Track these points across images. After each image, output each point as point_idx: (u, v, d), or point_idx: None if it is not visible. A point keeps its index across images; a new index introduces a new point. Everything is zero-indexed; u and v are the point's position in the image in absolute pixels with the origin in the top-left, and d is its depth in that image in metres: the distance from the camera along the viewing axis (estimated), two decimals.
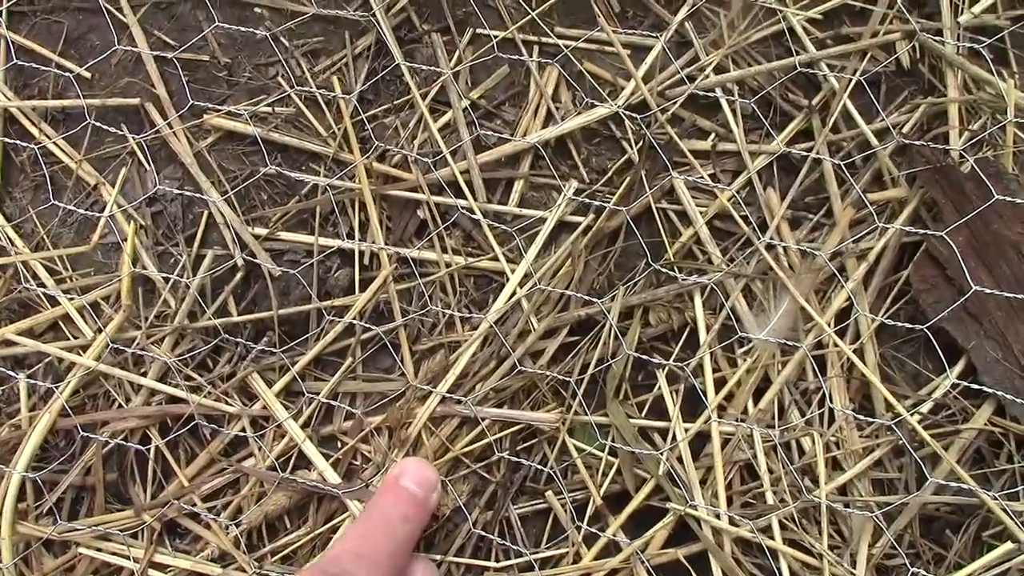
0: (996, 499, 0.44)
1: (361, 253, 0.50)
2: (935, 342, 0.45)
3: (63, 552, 0.49)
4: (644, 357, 0.48)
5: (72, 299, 0.50)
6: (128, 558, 0.48)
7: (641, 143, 0.49)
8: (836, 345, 0.46)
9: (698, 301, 0.48)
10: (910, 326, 0.45)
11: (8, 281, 0.51)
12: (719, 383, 0.48)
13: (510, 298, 0.48)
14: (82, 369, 0.48)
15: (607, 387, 0.48)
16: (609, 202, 0.49)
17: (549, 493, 0.48)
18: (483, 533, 0.48)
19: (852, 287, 0.47)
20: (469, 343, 0.48)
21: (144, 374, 0.49)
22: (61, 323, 0.50)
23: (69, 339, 0.50)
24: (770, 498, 0.47)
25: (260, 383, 0.49)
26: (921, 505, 0.46)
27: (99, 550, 0.48)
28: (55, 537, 0.48)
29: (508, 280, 0.49)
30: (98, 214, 0.50)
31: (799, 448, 0.47)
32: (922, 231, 0.46)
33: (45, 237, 0.51)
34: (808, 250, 0.47)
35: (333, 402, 0.49)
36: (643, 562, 0.46)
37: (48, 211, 0.52)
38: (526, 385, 0.48)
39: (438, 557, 0.47)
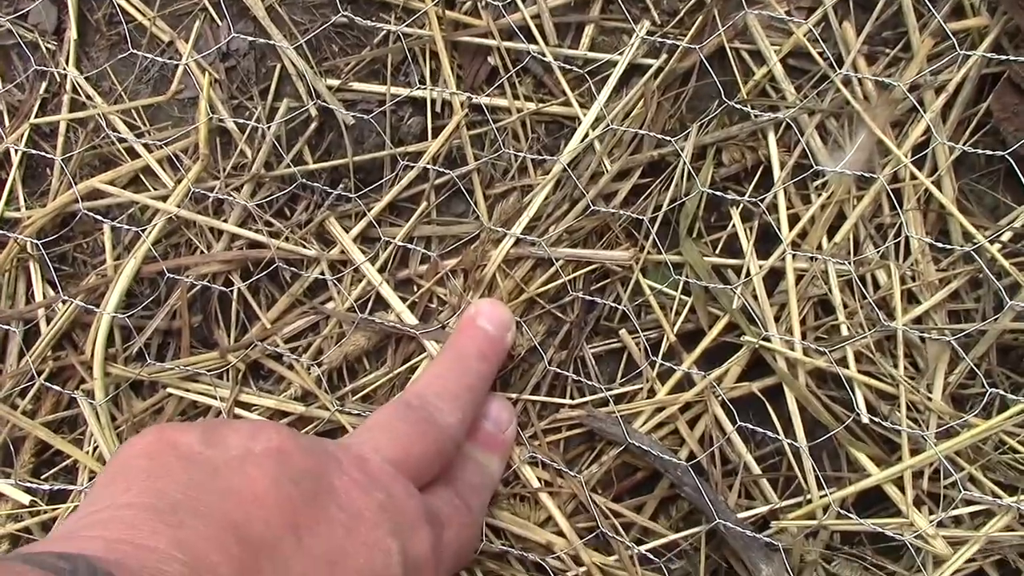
0: None
1: (433, 101, 0.50)
2: (1017, 169, 0.45)
3: (151, 394, 0.50)
4: (718, 194, 0.48)
5: (152, 151, 0.51)
6: (215, 398, 0.49)
7: None
8: (913, 177, 0.46)
9: (772, 138, 0.48)
10: (991, 153, 0.45)
11: (89, 135, 0.52)
12: (793, 220, 0.48)
13: (583, 140, 0.48)
14: (165, 215, 0.49)
15: (680, 225, 0.48)
16: (681, 43, 0.49)
17: (623, 331, 0.48)
18: (558, 370, 0.48)
19: (930, 117, 0.46)
20: (542, 186, 0.48)
21: (224, 221, 0.50)
22: (141, 175, 0.51)
23: (150, 190, 0.51)
24: (845, 332, 0.47)
25: (337, 228, 0.49)
26: (999, 334, 0.46)
27: (186, 390, 0.50)
28: (144, 378, 0.49)
29: (580, 124, 0.49)
30: (175, 61, 0.51)
31: (874, 282, 0.47)
32: (1005, 57, 0.45)
33: (123, 94, 0.52)
34: (885, 82, 0.47)
35: (409, 245, 0.49)
36: (717, 396, 0.47)
37: (125, 70, 0.53)
38: (599, 227, 0.49)
39: (514, 395, 0.48)
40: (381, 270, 0.49)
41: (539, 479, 0.47)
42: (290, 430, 0.36)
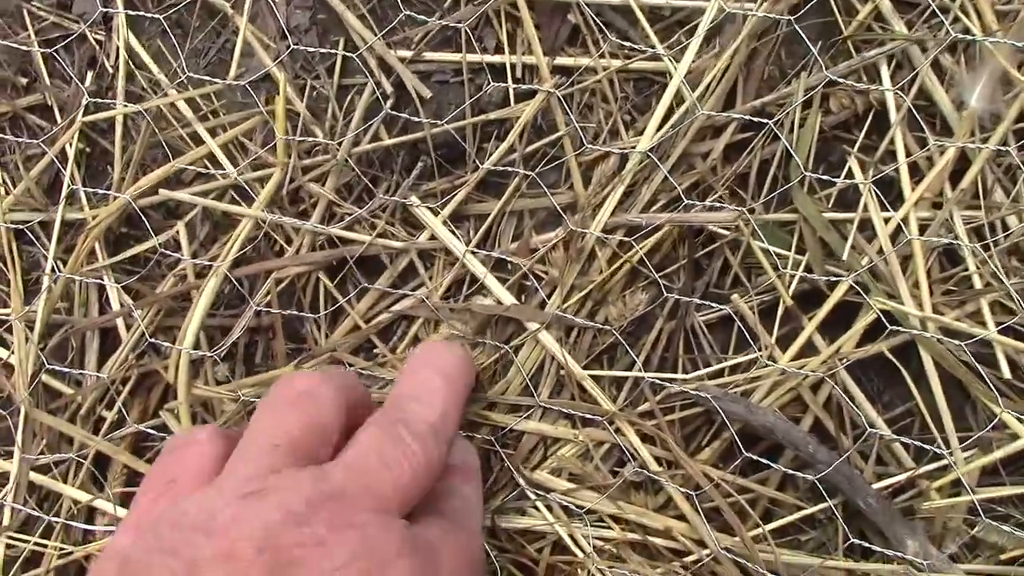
0: None
1: (512, 67, 0.47)
2: None
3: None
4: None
5: (216, 136, 0.48)
6: None
7: None
8: None
9: (885, 73, 0.44)
10: None
11: (149, 125, 0.49)
12: (912, 168, 0.44)
13: (674, 100, 0.45)
14: (250, 221, 0.46)
15: (791, 177, 0.44)
16: None
17: (735, 297, 0.46)
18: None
19: None
20: (637, 148, 0.45)
21: (303, 212, 0.47)
22: (207, 163, 0.49)
23: (217, 179, 0.48)
24: (977, 282, 0.44)
25: (425, 212, 0.46)
26: None
27: None
28: (228, 396, 0.47)
29: (671, 78, 0.45)
30: (232, 35, 0.48)
31: (1004, 227, 0.44)
32: None
33: (183, 76, 0.49)
34: (1009, 10, 0.43)
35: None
36: (843, 360, 0.44)
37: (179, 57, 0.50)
38: (701, 189, 0.46)
39: (619, 373, 0.46)
40: (473, 252, 0.46)
41: (656, 459, 0.45)
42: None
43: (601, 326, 0.45)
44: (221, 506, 0.33)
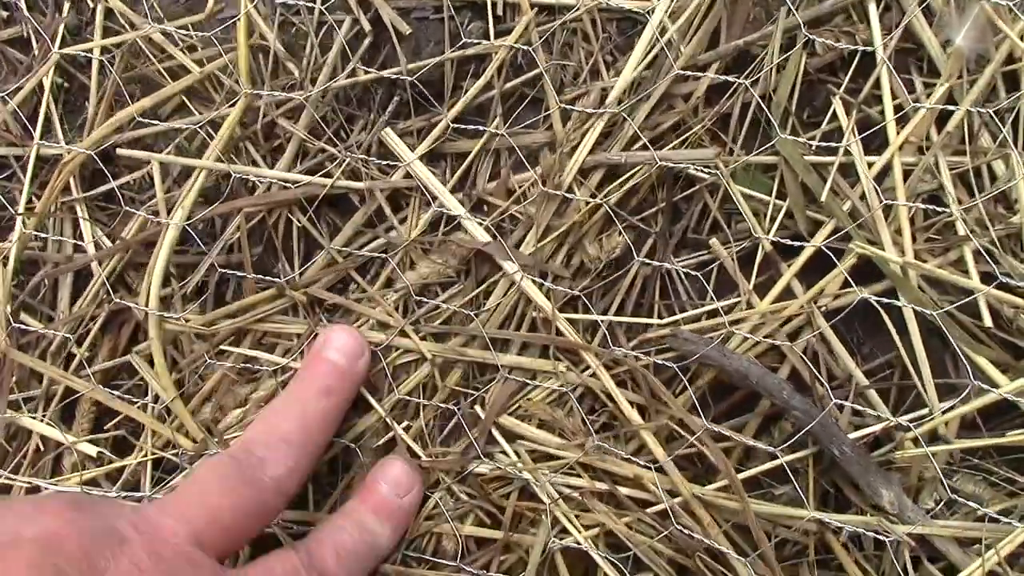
0: None
1: (493, 4, 0.46)
2: None
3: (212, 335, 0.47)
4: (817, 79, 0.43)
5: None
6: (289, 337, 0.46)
7: None
8: None
9: (873, 12, 0.43)
10: None
11: (125, 58, 0.48)
12: (897, 111, 0.43)
13: (654, 35, 0.44)
14: (214, 161, 0.46)
15: (773, 116, 0.43)
16: None
17: (714, 241, 0.45)
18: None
19: None
20: (616, 87, 0.44)
21: (278, 147, 0.47)
22: (185, 99, 0.48)
23: (194, 114, 0.48)
24: (961, 229, 0.43)
25: (401, 146, 0.46)
26: None
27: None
28: (205, 331, 0.46)
29: (651, 13, 0.44)
30: None
31: (991, 174, 0.43)
32: None
33: (160, 12, 0.49)
34: None
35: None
36: (821, 307, 0.43)
37: None
38: (682, 131, 0.45)
39: (598, 317, 0.45)
40: (453, 191, 0.46)
41: (631, 403, 0.44)
42: (79, 504, 0.34)
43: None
44: (53, 500, 0.34)
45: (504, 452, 0.45)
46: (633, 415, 0.43)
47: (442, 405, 0.45)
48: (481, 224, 0.45)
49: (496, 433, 0.45)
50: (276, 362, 0.46)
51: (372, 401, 0.45)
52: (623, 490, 0.44)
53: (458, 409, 0.45)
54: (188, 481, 0.39)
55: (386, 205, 0.46)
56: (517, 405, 0.45)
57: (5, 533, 0.32)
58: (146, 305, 0.46)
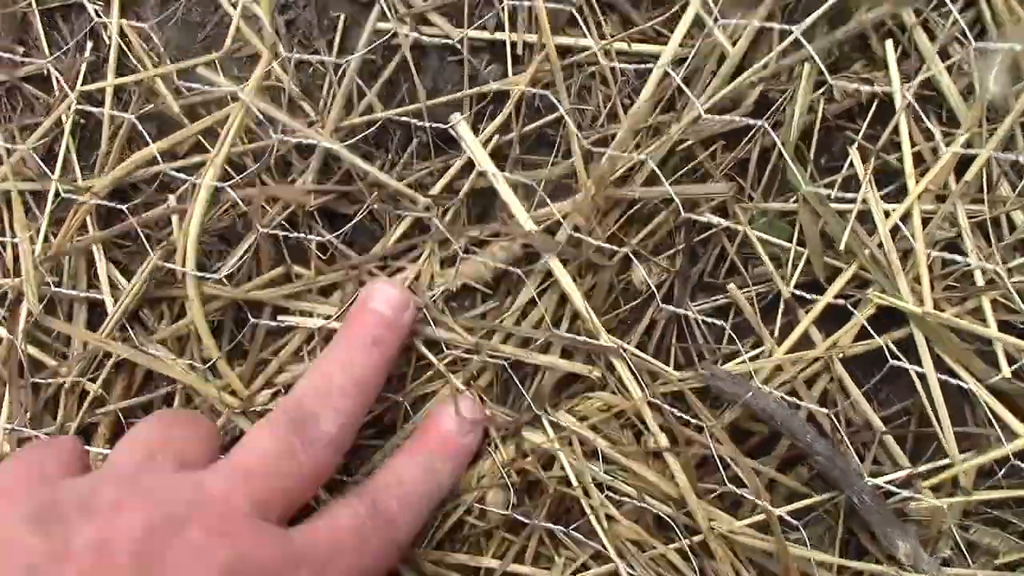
0: None
1: (512, 44, 0.46)
2: None
3: None
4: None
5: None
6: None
7: None
8: None
9: (891, 54, 0.43)
10: None
11: (141, 98, 0.48)
12: (916, 160, 0.43)
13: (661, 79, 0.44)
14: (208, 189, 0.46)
15: (786, 151, 0.43)
16: None
17: (732, 286, 0.45)
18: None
19: None
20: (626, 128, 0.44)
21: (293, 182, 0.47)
22: (202, 138, 0.48)
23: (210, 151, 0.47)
24: (979, 278, 0.43)
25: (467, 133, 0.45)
26: None
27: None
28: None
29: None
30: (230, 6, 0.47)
31: (1009, 224, 0.43)
32: None
33: (165, 50, 0.49)
34: None
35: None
36: (839, 354, 0.43)
37: (175, 29, 0.49)
38: (699, 175, 0.45)
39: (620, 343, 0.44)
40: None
41: (661, 428, 0.43)
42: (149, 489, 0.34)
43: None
44: (104, 492, 0.33)
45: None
46: (662, 439, 0.43)
47: None
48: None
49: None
50: (314, 324, 0.45)
51: (428, 354, 0.45)
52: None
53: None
54: (244, 447, 0.37)
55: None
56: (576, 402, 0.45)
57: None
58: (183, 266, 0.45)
